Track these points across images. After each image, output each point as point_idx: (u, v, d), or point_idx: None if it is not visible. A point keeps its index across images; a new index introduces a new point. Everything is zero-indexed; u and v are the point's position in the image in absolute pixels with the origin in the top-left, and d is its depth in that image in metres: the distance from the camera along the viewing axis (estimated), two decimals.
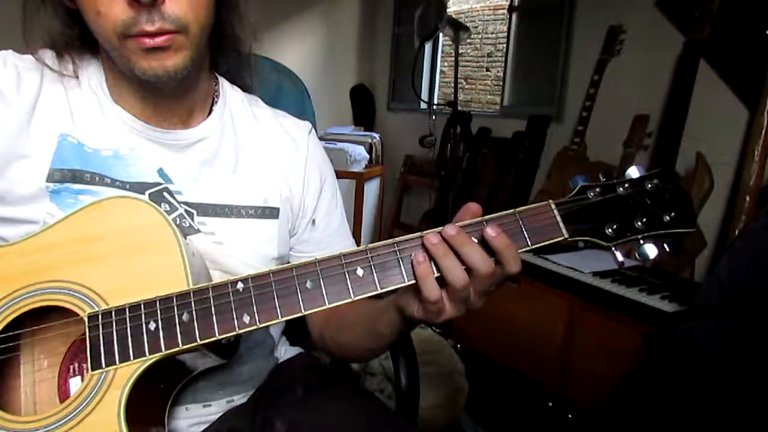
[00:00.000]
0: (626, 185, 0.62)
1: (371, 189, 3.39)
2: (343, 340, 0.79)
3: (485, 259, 0.57)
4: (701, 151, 2.15)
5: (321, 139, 0.92)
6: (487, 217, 0.60)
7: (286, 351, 0.93)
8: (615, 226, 0.61)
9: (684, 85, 2.23)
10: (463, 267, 0.57)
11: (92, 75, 0.74)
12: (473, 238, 0.58)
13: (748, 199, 1.96)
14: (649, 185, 0.62)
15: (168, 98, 0.73)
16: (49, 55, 0.73)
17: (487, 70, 3.95)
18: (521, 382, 2.10)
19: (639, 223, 0.61)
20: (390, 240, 0.59)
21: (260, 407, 0.80)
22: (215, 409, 0.80)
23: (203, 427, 0.78)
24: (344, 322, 0.78)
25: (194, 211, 0.75)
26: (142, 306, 0.60)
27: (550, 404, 1.98)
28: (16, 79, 0.69)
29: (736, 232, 1.97)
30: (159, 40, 0.63)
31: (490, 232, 0.57)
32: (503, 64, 3.46)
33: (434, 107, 3.12)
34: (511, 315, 2.18)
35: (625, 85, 2.57)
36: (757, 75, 1.97)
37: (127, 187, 0.71)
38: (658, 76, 2.38)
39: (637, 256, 0.63)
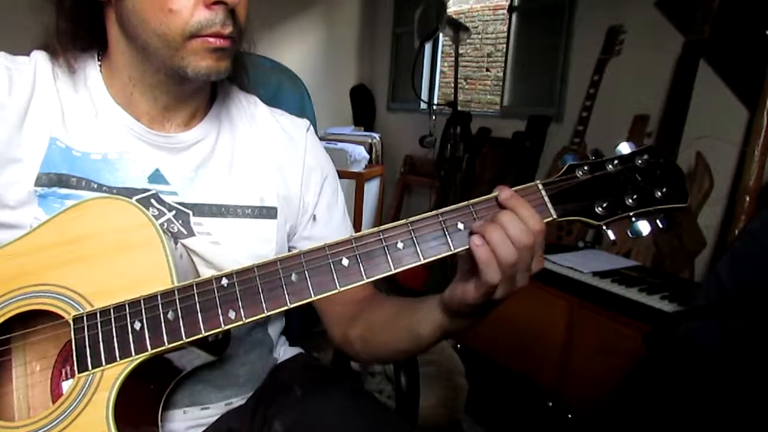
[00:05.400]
0: (616, 162, 0.61)
1: (371, 189, 3.39)
2: (374, 340, 0.77)
3: (524, 230, 0.55)
4: (701, 151, 2.15)
5: (321, 139, 0.92)
6: (471, 201, 0.59)
7: (284, 351, 0.93)
8: (605, 205, 0.59)
9: (684, 85, 2.23)
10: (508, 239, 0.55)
11: (89, 77, 0.74)
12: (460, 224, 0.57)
13: (748, 199, 1.96)
14: (640, 161, 0.61)
15: (182, 99, 0.74)
16: (43, 57, 0.73)
17: (487, 70, 3.95)
18: (521, 382, 2.10)
19: (630, 200, 0.60)
20: (375, 228, 0.59)
21: (259, 407, 0.80)
22: (213, 411, 0.79)
23: (201, 429, 0.78)
24: (375, 323, 0.77)
25: (190, 212, 0.74)
26: (127, 306, 0.60)
27: (550, 404, 1.98)
28: (8, 82, 0.69)
29: (736, 232, 1.97)
30: (225, 43, 0.66)
31: (506, 193, 0.57)
32: (503, 64, 3.46)
33: (434, 107, 3.12)
34: (511, 315, 2.17)
35: (625, 85, 2.57)
36: (757, 75, 1.96)
37: (114, 192, 0.71)
38: (658, 76, 2.38)
39: (629, 233, 0.61)
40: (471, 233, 0.57)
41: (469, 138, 2.86)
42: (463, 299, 0.59)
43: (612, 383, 1.46)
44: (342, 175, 3.01)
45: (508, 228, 0.55)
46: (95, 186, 0.71)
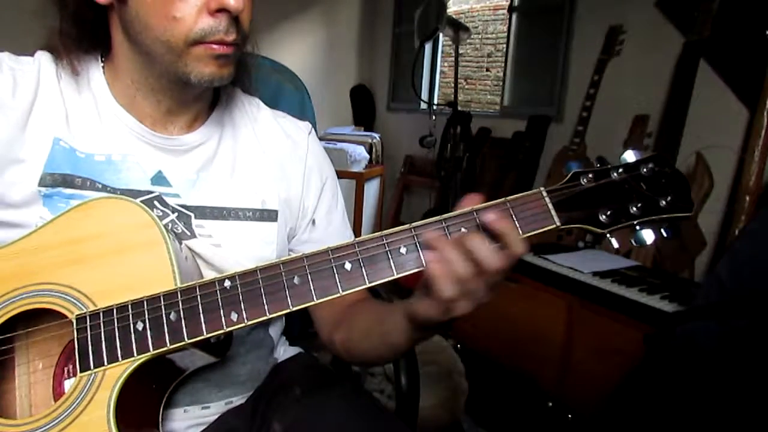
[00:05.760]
0: (621, 170, 0.60)
1: (371, 189, 3.39)
2: (354, 347, 0.78)
3: (493, 252, 0.55)
4: (701, 151, 2.15)
5: (321, 139, 0.92)
6: (476, 206, 0.59)
7: (285, 351, 0.93)
8: (609, 213, 0.59)
9: (684, 85, 2.23)
10: (470, 260, 0.55)
11: (93, 79, 0.74)
12: (463, 229, 0.57)
13: (748, 199, 1.96)
14: (645, 170, 0.60)
15: (185, 103, 0.74)
16: (46, 58, 0.73)
17: (487, 70, 3.95)
18: (521, 382, 2.10)
19: (634, 209, 0.59)
20: (378, 233, 0.59)
21: (259, 407, 0.80)
22: (214, 410, 0.79)
23: (201, 428, 0.78)
24: (355, 329, 0.77)
25: (192, 214, 0.75)
26: (130, 306, 0.60)
27: (550, 404, 1.98)
28: (12, 84, 0.69)
29: (736, 232, 1.97)
30: (228, 50, 0.66)
31: (491, 216, 0.56)
32: (503, 64, 3.46)
33: (434, 107, 3.12)
34: (511, 315, 2.18)
35: (625, 85, 2.57)
36: (757, 75, 1.96)
37: (118, 193, 0.71)
38: (658, 76, 2.38)
39: (633, 242, 0.61)
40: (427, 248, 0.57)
41: (469, 138, 2.86)
42: (427, 317, 0.59)
43: (612, 383, 1.46)
44: (342, 175, 3.03)
45: (479, 254, 0.54)
46: (99, 186, 0.71)
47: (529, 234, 0.59)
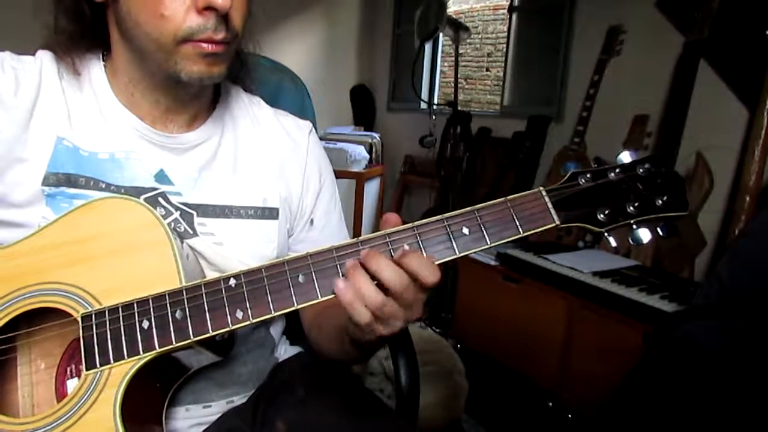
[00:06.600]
0: (617, 170, 0.62)
1: (371, 189, 3.39)
2: (321, 349, 0.81)
3: (399, 276, 0.55)
4: (701, 151, 2.16)
5: (321, 139, 0.92)
6: (477, 206, 0.60)
7: (286, 350, 0.93)
8: (607, 212, 0.61)
9: (684, 85, 2.23)
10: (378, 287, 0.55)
11: (94, 77, 0.74)
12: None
13: (748, 199, 1.96)
14: (641, 170, 0.62)
15: (183, 102, 0.74)
16: (48, 57, 0.73)
17: (487, 70, 3.95)
18: (521, 381, 2.10)
19: (631, 208, 0.61)
20: (381, 232, 0.59)
21: (260, 407, 0.80)
22: (215, 409, 0.79)
23: (203, 427, 0.78)
24: (324, 332, 0.79)
25: (194, 212, 0.75)
26: (135, 305, 0.60)
27: (550, 404, 1.98)
28: (14, 83, 0.69)
29: (736, 232, 1.97)
30: (218, 48, 0.66)
31: (398, 253, 0.56)
32: (503, 64, 3.46)
33: (434, 107, 3.12)
34: (511, 315, 2.18)
35: (625, 85, 2.58)
36: (757, 75, 1.97)
37: (122, 191, 0.71)
38: (658, 76, 2.38)
39: (630, 241, 0.63)
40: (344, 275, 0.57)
41: (469, 138, 2.86)
42: (354, 336, 0.61)
43: (612, 383, 1.46)
44: (342, 175, 3.03)
45: (385, 278, 0.55)
46: (103, 185, 0.71)
47: (529, 233, 0.60)
